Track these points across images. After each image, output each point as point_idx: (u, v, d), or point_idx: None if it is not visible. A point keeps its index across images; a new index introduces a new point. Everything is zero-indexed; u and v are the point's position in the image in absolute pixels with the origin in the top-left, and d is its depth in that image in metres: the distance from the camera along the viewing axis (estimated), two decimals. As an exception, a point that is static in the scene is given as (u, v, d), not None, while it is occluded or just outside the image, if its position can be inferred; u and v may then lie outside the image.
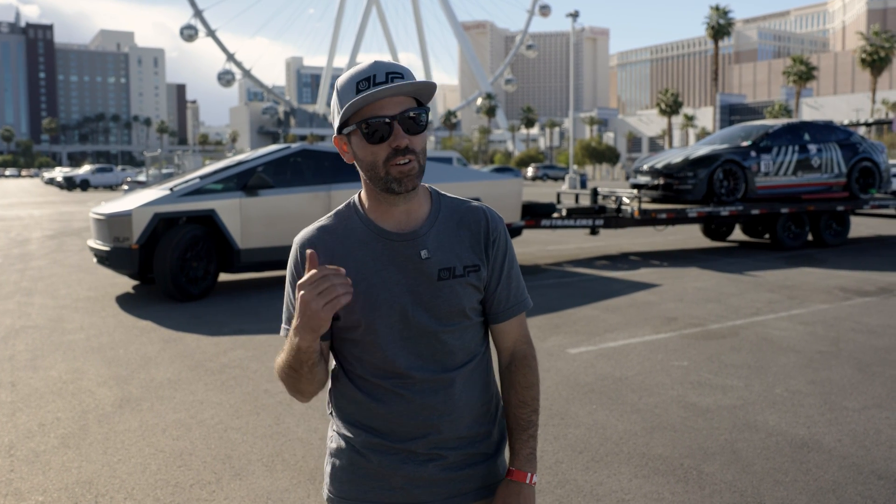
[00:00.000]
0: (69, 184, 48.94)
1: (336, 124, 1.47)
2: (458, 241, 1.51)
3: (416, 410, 1.47)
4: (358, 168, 1.49)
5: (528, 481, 1.54)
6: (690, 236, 14.77)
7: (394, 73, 1.40)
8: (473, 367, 1.54)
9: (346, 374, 1.53)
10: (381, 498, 1.49)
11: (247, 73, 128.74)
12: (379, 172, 1.43)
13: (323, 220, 1.54)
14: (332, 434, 1.57)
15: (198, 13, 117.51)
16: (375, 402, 1.48)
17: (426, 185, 1.56)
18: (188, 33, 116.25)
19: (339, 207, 1.55)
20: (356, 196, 1.55)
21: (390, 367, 1.47)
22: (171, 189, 8.58)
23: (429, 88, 1.43)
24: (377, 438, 1.49)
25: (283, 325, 1.52)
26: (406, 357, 1.47)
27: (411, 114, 1.41)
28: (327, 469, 1.57)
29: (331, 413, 1.59)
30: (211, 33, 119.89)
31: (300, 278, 1.46)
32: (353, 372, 1.51)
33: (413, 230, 1.49)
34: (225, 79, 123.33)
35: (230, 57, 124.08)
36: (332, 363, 1.58)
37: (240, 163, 9.14)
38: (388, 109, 1.40)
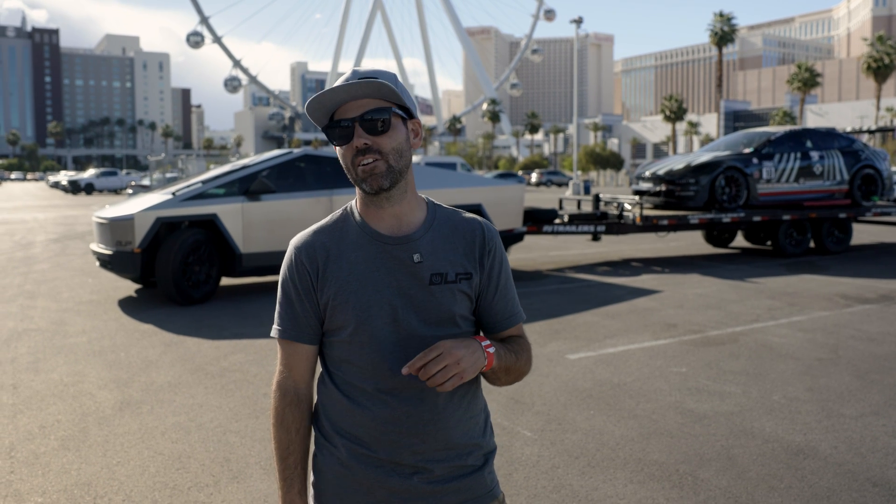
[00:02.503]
0: (74, 187, 49.11)
1: None
2: (451, 249, 1.53)
3: (401, 419, 1.47)
4: None
5: (483, 345, 1.46)
6: (692, 243, 14.78)
7: (368, 77, 1.44)
8: None
9: (332, 379, 1.54)
10: None
11: (253, 80, 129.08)
12: (351, 173, 1.49)
13: (319, 223, 1.57)
14: (316, 445, 1.58)
15: (204, 20, 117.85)
16: (360, 408, 1.49)
17: (423, 196, 1.59)
18: (194, 40, 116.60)
19: (336, 212, 1.59)
20: (352, 201, 1.59)
21: (377, 371, 1.48)
22: (173, 193, 8.63)
23: (383, 89, 1.44)
24: (362, 449, 1.49)
25: (275, 327, 1.55)
26: (394, 361, 1.48)
27: (369, 116, 1.45)
28: (312, 479, 1.57)
29: (314, 422, 1.59)
30: (217, 40, 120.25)
31: (296, 283, 1.52)
32: (340, 377, 1.52)
33: (407, 235, 1.51)
34: (231, 85, 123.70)
35: (236, 63, 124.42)
36: (322, 374, 1.59)
37: (242, 167, 9.18)
38: (350, 112, 1.46)
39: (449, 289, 1.50)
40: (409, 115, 1.52)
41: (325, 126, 1.50)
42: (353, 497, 1.50)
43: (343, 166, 1.51)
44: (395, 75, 1.50)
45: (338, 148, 1.50)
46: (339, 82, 1.47)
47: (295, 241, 1.55)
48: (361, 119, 1.45)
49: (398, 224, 1.52)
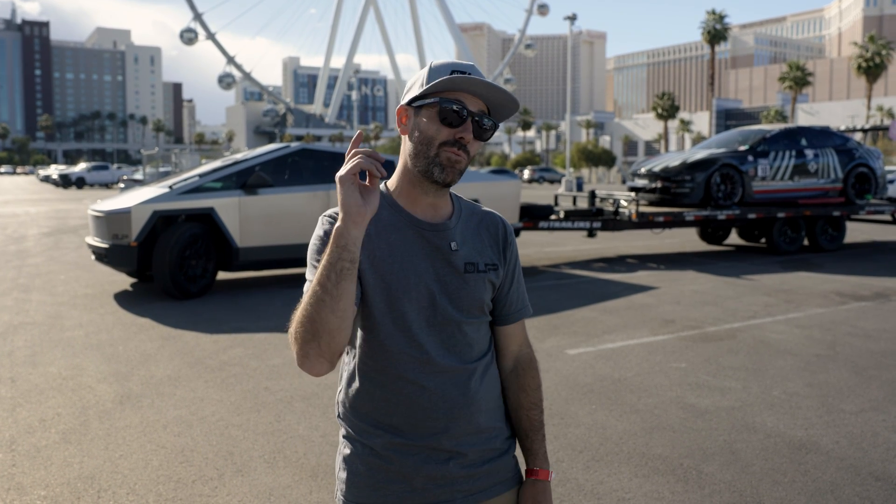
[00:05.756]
0: (65, 181, 48.82)
1: (411, 95, 1.51)
2: (479, 240, 1.58)
3: (437, 403, 1.48)
4: (407, 144, 1.51)
5: (549, 479, 1.63)
6: (687, 240, 14.82)
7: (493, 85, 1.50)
8: (487, 363, 1.58)
9: (364, 373, 1.52)
10: (401, 501, 1.49)
11: (247, 76, 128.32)
12: (430, 151, 1.47)
13: None
14: (346, 439, 1.56)
15: (197, 16, 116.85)
16: (396, 395, 1.48)
17: None
18: (188, 36, 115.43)
19: None
20: (384, 184, 1.58)
21: (416, 352, 1.48)
22: (170, 187, 8.58)
23: (512, 105, 1.51)
24: (398, 438, 1.49)
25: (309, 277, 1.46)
26: (430, 343, 1.49)
27: (486, 121, 1.50)
28: (342, 475, 1.55)
29: (341, 417, 1.57)
30: (211, 36, 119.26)
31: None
32: (373, 367, 1.51)
33: (442, 222, 1.54)
34: (225, 81, 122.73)
35: (230, 60, 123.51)
36: (350, 365, 1.56)
37: (239, 161, 9.15)
38: (470, 104, 1.48)
39: (481, 277, 1.54)
40: None
41: (425, 94, 1.47)
42: (390, 487, 1.49)
43: (422, 139, 1.47)
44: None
45: (428, 120, 1.47)
46: (456, 63, 1.49)
47: (331, 213, 1.51)
48: (477, 117, 1.48)
49: (433, 212, 1.54)
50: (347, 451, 1.55)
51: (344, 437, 1.57)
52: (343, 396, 1.57)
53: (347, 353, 1.58)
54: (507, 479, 1.59)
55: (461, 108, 1.46)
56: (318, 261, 1.44)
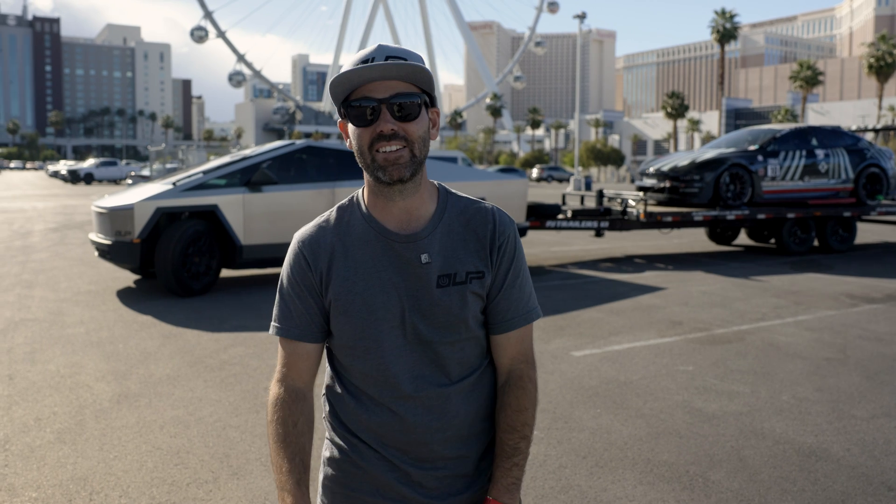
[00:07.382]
0: (73, 177, 49.00)
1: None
2: (461, 245, 1.42)
3: (408, 428, 1.40)
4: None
5: None
6: (696, 240, 14.69)
7: (395, 57, 1.33)
8: (473, 382, 1.45)
9: (341, 381, 1.47)
10: None
11: (257, 74, 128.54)
12: (366, 158, 1.36)
13: (324, 216, 1.47)
14: (327, 442, 1.51)
15: (208, 14, 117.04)
16: (367, 413, 1.42)
17: (435, 182, 1.47)
18: (198, 35, 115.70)
19: (343, 202, 1.48)
20: (360, 190, 1.48)
21: (383, 378, 1.40)
22: (174, 184, 8.53)
23: (419, 73, 1.34)
24: (372, 451, 1.43)
25: (274, 324, 1.46)
26: (401, 368, 1.39)
27: (400, 100, 1.33)
28: (320, 477, 1.51)
29: (325, 418, 1.52)
30: (221, 34, 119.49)
31: (299, 282, 1.43)
32: (349, 380, 1.45)
33: (414, 232, 1.40)
34: (235, 79, 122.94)
35: (241, 58, 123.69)
36: (330, 368, 1.52)
37: (244, 158, 9.08)
38: (377, 92, 1.33)
39: (458, 290, 1.40)
40: (432, 102, 1.41)
41: (341, 102, 1.38)
42: (363, 498, 1.44)
43: (355, 149, 1.38)
44: (422, 58, 1.39)
45: (352, 129, 1.37)
46: (362, 55, 1.35)
47: (299, 237, 1.45)
48: (390, 102, 1.33)
49: (407, 219, 1.41)
50: (327, 453, 1.50)
51: (327, 438, 1.52)
52: (328, 395, 1.51)
53: (329, 363, 1.52)
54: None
55: (365, 104, 1.33)
56: (286, 302, 1.44)
